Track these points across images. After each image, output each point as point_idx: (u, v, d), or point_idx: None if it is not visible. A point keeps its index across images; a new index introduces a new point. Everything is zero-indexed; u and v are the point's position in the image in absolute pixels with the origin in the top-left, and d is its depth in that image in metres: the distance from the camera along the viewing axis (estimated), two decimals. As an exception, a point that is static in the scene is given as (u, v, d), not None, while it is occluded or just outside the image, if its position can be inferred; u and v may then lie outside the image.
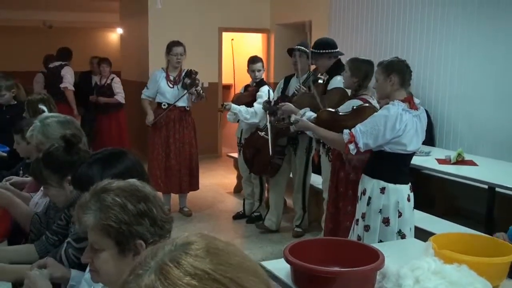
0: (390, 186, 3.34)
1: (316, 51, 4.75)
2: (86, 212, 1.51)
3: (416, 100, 3.38)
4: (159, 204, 1.55)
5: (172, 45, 5.79)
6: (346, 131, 3.38)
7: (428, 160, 4.82)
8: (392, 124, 3.22)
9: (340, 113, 3.81)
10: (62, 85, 7.50)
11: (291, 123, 3.98)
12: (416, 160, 4.75)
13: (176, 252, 0.82)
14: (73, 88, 7.62)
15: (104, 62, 7.83)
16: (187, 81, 5.69)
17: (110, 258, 1.50)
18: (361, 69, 3.94)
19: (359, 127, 3.32)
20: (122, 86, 7.88)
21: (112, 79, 7.76)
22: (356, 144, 3.31)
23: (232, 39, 8.97)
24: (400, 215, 3.35)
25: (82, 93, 7.87)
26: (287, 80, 5.44)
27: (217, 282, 0.78)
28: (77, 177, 2.03)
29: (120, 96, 7.76)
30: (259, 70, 5.64)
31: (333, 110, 3.89)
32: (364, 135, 3.29)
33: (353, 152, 3.36)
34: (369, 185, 3.41)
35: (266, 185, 5.77)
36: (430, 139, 5.69)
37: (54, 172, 2.42)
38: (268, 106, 5.09)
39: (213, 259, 0.81)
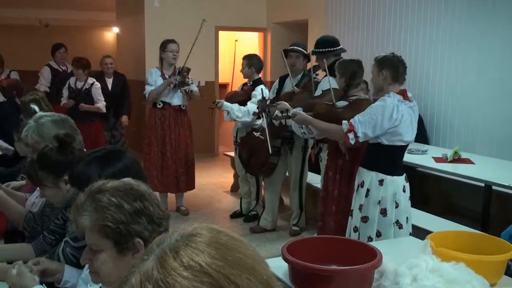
0: (388, 178, 3.44)
1: (316, 50, 4.78)
2: (82, 214, 1.50)
3: (409, 94, 3.48)
4: (155, 202, 1.55)
5: (167, 42, 5.81)
6: (345, 121, 3.47)
7: (424, 159, 4.83)
8: (390, 114, 3.31)
9: (337, 106, 3.87)
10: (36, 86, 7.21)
11: (289, 117, 4.03)
12: (412, 159, 4.77)
13: (179, 243, 0.84)
14: (43, 89, 7.19)
15: (76, 63, 6.76)
16: (177, 79, 5.68)
17: (109, 259, 1.50)
18: (348, 69, 3.97)
19: (357, 117, 3.41)
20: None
21: (92, 84, 6.78)
22: (355, 134, 3.39)
23: (236, 40, 8.96)
24: (397, 206, 3.46)
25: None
26: (282, 80, 5.44)
27: (208, 276, 0.79)
28: (75, 175, 2.02)
29: (101, 104, 6.76)
30: (243, 68, 5.66)
31: (330, 103, 3.93)
32: (363, 125, 3.37)
33: (352, 141, 3.43)
34: (368, 177, 3.49)
35: (263, 183, 5.77)
36: (422, 137, 5.70)
37: (49, 172, 2.40)
38: (262, 104, 5.09)
39: (211, 252, 0.82)
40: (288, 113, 4.02)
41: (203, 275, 0.78)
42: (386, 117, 3.31)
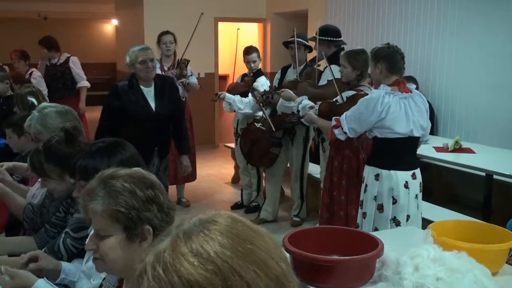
0: (384, 172, 3.35)
1: (318, 37, 4.75)
2: (93, 199, 1.51)
3: (412, 86, 3.41)
4: (164, 192, 1.57)
5: (160, 35, 5.83)
6: (334, 117, 3.46)
7: (425, 148, 4.81)
8: (373, 106, 3.24)
9: (337, 103, 3.87)
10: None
11: (301, 117, 4.10)
12: (413, 149, 4.76)
13: (194, 228, 0.85)
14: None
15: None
16: (175, 72, 5.68)
17: (117, 244, 1.51)
18: (360, 60, 3.94)
19: (345, 113, 3.39)
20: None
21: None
22: (342, 129, 3.38)
23: (238, 29, 8.93)
24: (395, 201, 3.36)
25: None
26: (284, 71, 5.44)
27: (213, 264, 0.78)
28: (81, 168, 2.01)
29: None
30: (254, 61, 5.62)
31: (331, 101, 3.93)
32: (349, 120, 3.35)
33: (341, 137, 3.43)
34: (366, 172, 3.46)
35: (264, 174, 5.77)
36: (431, 128, 5.66)
37: (56, 165, 2.40)
38: (263, 99, 5.09)
39: (222, 241, 0.81)
40: (300, 114, 4.11)
41: (209, 263, 0.78)
42: (370, 110, 3.24)
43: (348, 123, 3.35)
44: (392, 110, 3.24)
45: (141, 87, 4.14)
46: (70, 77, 6.71)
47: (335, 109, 3.81)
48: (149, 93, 4.17)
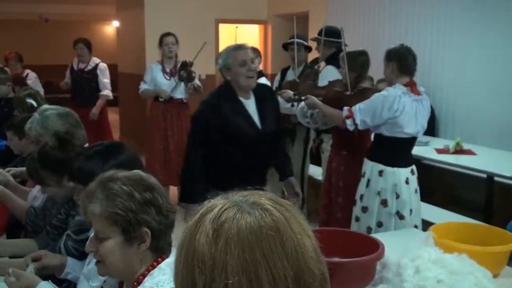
0: (388, 169, 3.45)
1: (319, 37, 4.76)
2: (92, 201, 1.51)
3: (421, 89, 3.50)
4: (164, 195, 1.58)
5: (162, 37, 5.87)
6: (346, 107, 3.51)
7: (426, 150, 4.82)
8: (390, 104, 3.32)
9: (346, 93, 3.89)
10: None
11: (301, 99, 4.09)
12: (414, 150, 4.74)
13: (243, 204, 0.86)
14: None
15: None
16: (184, 74, 5.70)
17: (116, 247, 1.51)
18: (357, 62, 3.94)
19: (358, 105, 3.45)
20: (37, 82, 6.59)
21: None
22: (354, 120, 3.44)
23: (237, 27, 8.91)
24: (397, 197, 3.46)
25: None
26: (284, 73, 5.44)
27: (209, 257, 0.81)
28: (78, 171, 2.02)
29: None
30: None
31: (340, 89, 3.94)
32: (362, 113, 3.41)
33: (351, 128, 3.47)
34: (368, 167, 3.53)
35: (265, 176, 5.76)
36: (431, 130, 5.67)
37: (52, 172, 2.39)
38: None
39: (241, 238, 0.82)
40: (301, 96, 4.08)
41: (214, 245, 0.81)
42: (386, 106, 3.33)
43: (361, 115, 3.41)
44: (406, 110, 3.35)
45: (240, 99, 3.21)
46: (97, 85, 6.55)
47: (344, 98, 3.82)
48: (249, 106, 3.23)
